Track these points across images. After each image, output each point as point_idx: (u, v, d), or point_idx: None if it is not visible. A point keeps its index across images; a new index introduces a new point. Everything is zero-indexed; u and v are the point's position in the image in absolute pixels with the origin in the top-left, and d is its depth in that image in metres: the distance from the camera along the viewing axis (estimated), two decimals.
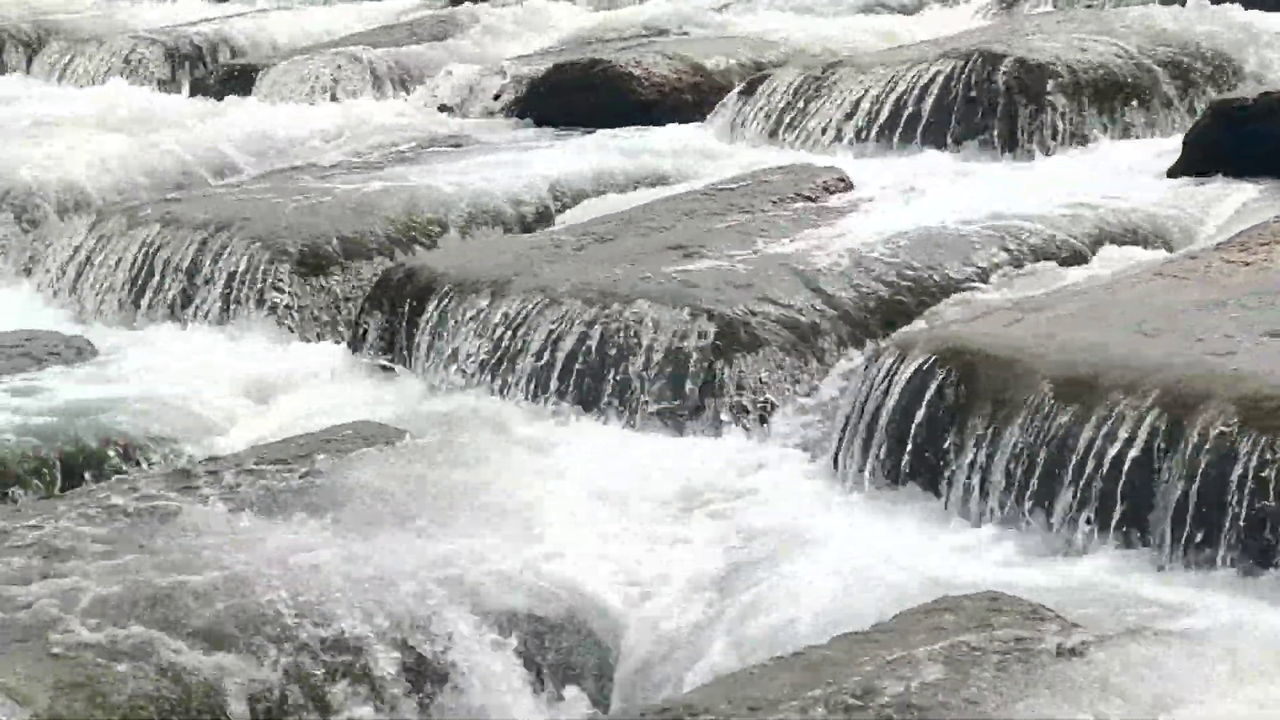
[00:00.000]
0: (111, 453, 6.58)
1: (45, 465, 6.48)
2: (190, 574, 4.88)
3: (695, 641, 4.93)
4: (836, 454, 5.96)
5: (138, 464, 6.57)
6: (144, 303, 8.38)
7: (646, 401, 6.46)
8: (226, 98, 12.88)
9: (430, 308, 7.23)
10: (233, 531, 5.25)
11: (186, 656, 4.54)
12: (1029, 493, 5.32)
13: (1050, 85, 9.28)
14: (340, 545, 5.14)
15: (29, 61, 15.93)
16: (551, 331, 6.78)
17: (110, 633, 4.57)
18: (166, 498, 5.54)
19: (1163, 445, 5.07)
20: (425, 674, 4.75)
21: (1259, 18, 10.52)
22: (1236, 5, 10.75)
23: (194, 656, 4.55)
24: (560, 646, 4.95)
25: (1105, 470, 5.16)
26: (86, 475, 6.44)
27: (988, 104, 9.34)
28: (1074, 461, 5.23)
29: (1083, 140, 9.24)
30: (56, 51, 15.53)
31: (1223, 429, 5.01)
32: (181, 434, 6.75)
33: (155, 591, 4.77)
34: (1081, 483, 5.20)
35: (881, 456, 5.77)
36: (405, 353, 7.30)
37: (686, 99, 11.03)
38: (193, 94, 13.44)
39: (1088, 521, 5.17)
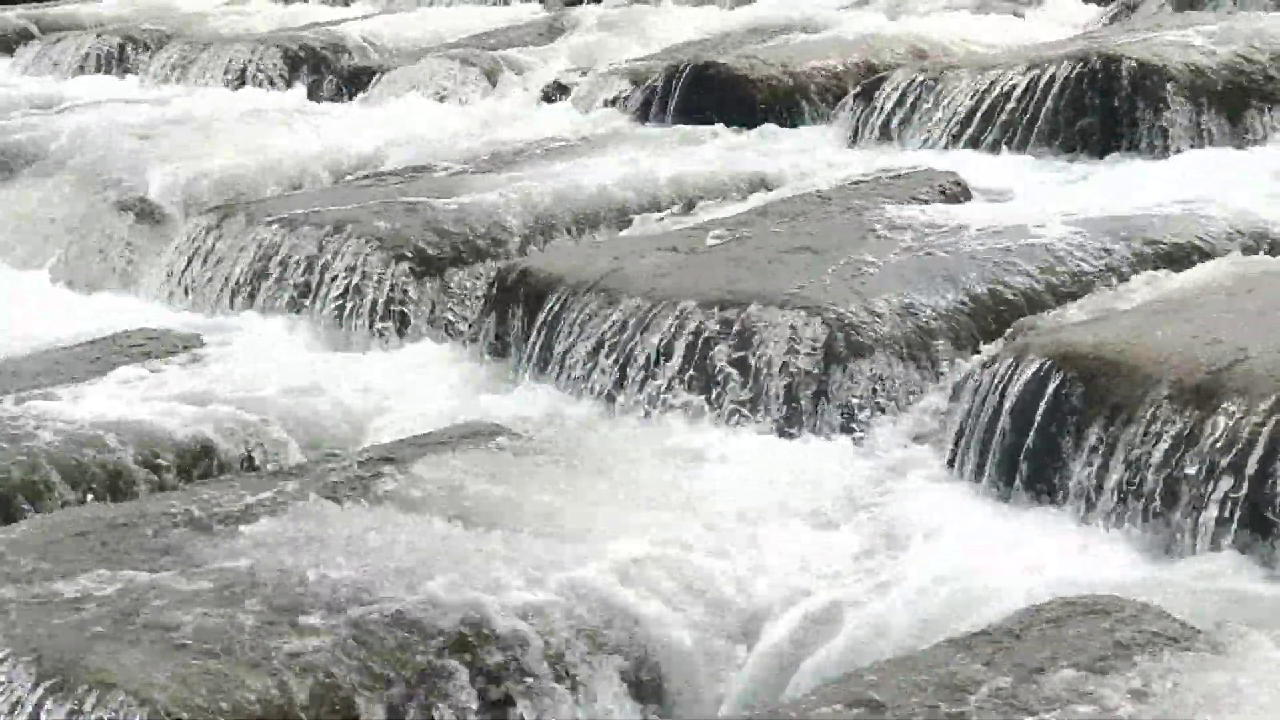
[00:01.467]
0: (230, 451, 6.64)
1: (162, 463, 6.55)
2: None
3: (814, 642, 4.94)
4: (952, 457, 5.94)
5: (255, 465, 6.62)
6: (261, 302, 8.44)
7: (760, 404, 6.45)
8: (343, 100, 12.98)
9: (545, 309, 7.25)
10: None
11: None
12: (1147, 497, 5.28)
13: (1170, 88, 9.21)
14: (484, 538, 5.24)
15: (148, 63, 16.08)
16: (666, 333, 6.78)
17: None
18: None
19: None
20: (579, 662, 4.81)
21: None
22: None
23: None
24: (673, 650, 4.97)
25: (1224, 475, 5.11)
26: (194, 474, 6.51)
27: (1107, 106, 9.28)
28: (1192, 466, 5.19)
29: (1202, 143, 9.16)
30: (176, 53, 15.67)
31: None
32: (298, 435, 6.80)
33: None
34: (1199, 487, 5.16)
35: (998, 460, 5.75)
36: (521, 354, 7.32)
37: (800, 101, 11.03)
38: (310, 97, 13.55)
39: (1206, 526, 5.12)
